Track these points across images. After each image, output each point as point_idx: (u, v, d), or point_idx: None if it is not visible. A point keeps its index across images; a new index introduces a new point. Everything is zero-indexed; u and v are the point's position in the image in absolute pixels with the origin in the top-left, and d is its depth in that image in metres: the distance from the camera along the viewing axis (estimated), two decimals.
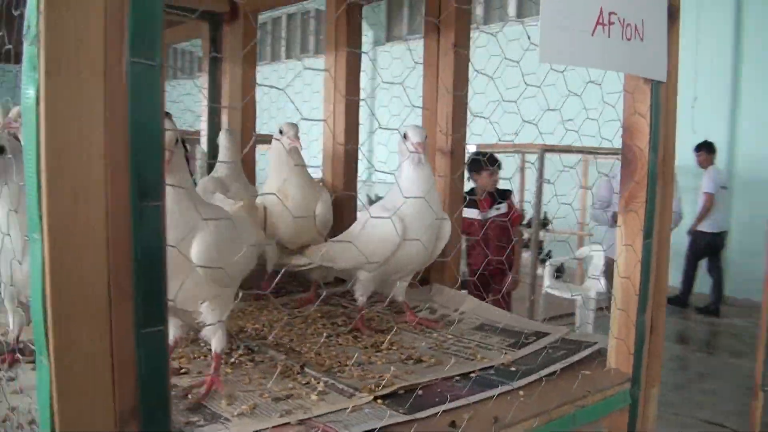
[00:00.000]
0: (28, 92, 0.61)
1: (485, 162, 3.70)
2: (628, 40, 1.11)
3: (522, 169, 6.28)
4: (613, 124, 1.22)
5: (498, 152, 4.30)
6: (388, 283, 1.58)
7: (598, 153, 5.49)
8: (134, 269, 0.63)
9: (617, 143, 1.25)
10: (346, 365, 1.27)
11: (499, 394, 1.11)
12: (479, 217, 3.81)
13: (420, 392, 1.12)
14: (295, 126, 1.70)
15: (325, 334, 1.47)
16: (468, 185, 4.39)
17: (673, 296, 6.55)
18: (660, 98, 1.19)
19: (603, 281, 4.65)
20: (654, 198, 1.19)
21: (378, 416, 1.02)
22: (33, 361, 1.29)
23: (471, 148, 6.18)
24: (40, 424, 0.64)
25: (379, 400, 1.09)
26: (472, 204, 3.94)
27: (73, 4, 0.58)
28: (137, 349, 0.63)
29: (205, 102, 2.47)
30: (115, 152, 0.62)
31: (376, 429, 0.96)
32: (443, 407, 1.03)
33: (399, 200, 1.43)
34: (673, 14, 1.21)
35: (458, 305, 1.65)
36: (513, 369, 1.23)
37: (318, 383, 1.16)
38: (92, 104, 0.61)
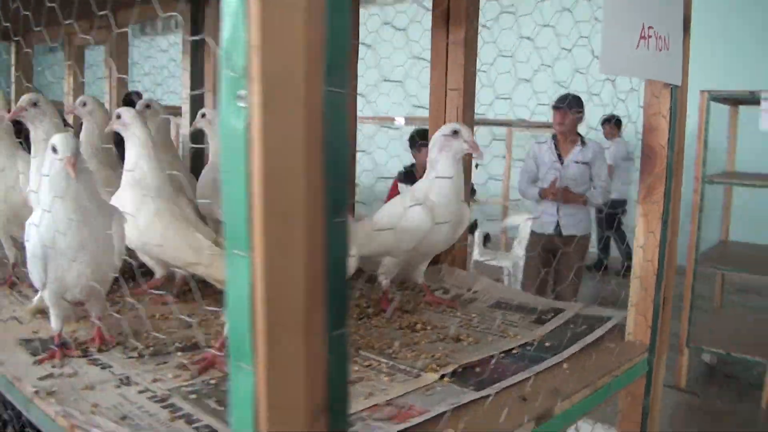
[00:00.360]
0: (237, 123, 0.66)
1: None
2: (660, 51, 1.24)
3: None
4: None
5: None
6: (410, 266, 1.68)
7: (523, 126, 5.71)
8: (326, 278, 0.69)
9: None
10: (393, 346, 1.36)
11: (546, 368, 1.24)
12: None
13: (478, 369, 1.23)
14: None
15: (355, 316, 1.56)
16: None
17: (593, 263, 7.01)
18: (677, 101, 1.33)
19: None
20: (671, 190, 1.34)
21: (452, 393, 1.12)
22: (83, 356, 1.30)
23: (400, 121, 6.29)
24: (237, 424, 0.70)
25: (445, 378, 1.19)
26: (410, 179, 4.04)
27: (284, 40, 0.64)
28: (327, 351, 0.70)
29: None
30: (312, 174, 0.68)
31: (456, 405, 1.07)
32: (511, 381, 1.15)
33: (430, 190, 1.52)
34: (686, 24, 1.36)
35: (470, 285, 1.77)
36: (548, 344, 1.37)
37: (380, 365, 1.25)
38: (296, 132, 0.66)
